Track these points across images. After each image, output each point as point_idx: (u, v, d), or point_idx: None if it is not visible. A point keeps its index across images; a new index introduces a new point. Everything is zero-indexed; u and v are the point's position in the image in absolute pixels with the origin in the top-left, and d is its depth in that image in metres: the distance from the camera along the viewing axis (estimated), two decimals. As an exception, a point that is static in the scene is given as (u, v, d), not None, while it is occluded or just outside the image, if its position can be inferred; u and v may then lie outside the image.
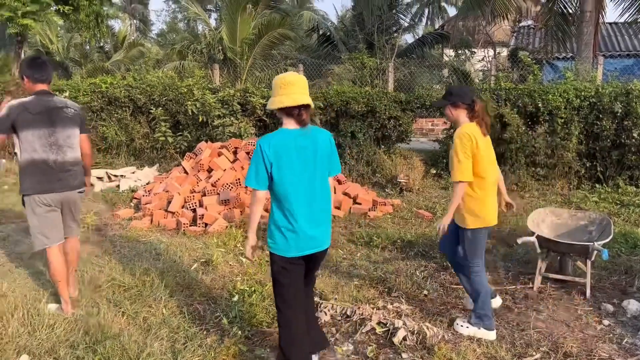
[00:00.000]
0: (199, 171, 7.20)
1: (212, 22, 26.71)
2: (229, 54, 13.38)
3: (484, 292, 3.60)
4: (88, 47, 20.07)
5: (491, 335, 3.58)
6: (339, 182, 7.50)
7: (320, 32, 18.50)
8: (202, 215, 6.16)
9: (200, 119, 8.75)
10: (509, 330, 3.73)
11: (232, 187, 6.63)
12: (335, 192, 7.12)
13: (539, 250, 4.37)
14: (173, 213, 6.42)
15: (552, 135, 8.16)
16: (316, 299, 4.05)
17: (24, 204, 3.71)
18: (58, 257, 3.74)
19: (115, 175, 8.59)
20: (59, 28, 22.08)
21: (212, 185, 6.75)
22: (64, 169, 3.69)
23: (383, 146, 9.08)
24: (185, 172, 7.46)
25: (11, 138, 3.64)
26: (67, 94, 9.66)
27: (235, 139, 7.65)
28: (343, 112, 9.02)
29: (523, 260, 5.16)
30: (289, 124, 2.83)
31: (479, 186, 3.50)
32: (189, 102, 8.76)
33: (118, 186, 8.29)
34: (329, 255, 5.05)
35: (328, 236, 2.96)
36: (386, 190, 8.17)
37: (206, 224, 6.08)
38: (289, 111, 2.79)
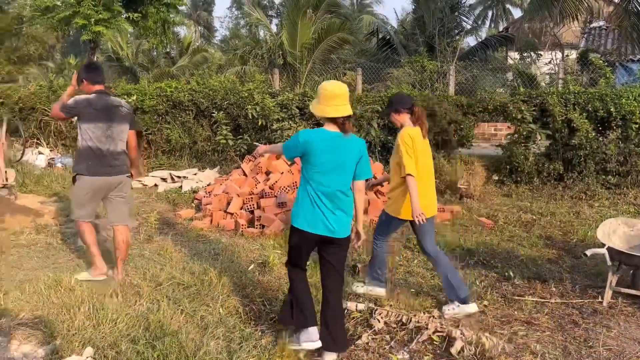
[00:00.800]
0: (257, 174, 7.30)
1: (274, 28, 27.20)
2: (288, 58, 13.56)
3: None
4: (155, 53, 20.93)
5: (472, 307, 3.93)
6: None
7: (380, 36, 18.41)
8: (260, 217, 6.24)
9: (260, 123, 8.89)
10: (576, 346, 3.53)
11: (288, 190, 6.68)
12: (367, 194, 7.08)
13: (609, 263, 4.12)
14: (232, 214, 6.55)
15: (625, 142, 7.71)
16: (371, 304, 4.00)
17: (74, 182, 4.34)
18: (90, 228, 4.49)
19: (178, 177, 8.87)
20: (128, 35, 23.13)
21: (270, 187, 6.83)
22: (114, 157, 4.30)
23: (442, 151, 8.88)
24: (245, 174, 7.59)
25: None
26: (134, 97, 10.09)
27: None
28: (402, 116, 8.90)
29: (592, 273, 4.89)
30: (329, 127, 3.20)
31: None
32: (249, 106, 8.92)
33: (180, 187, 8.55)
34: (353, 252, 4.97)
35: (344, 228, 3.25)
36: (445, 196, 7.98)
37: (263, 226, 6.15)
38: (333, 120, 3.17)
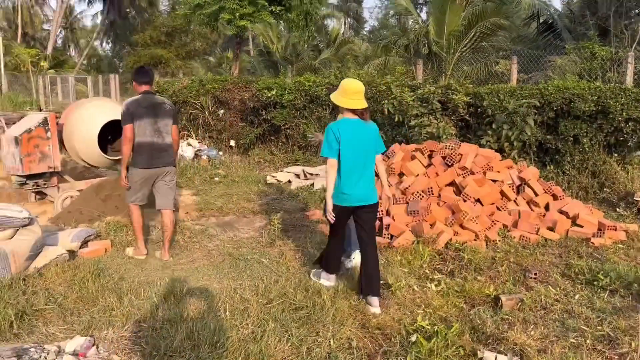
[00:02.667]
0: (389, 175, 6.67)
1: (424, 17, 26.09)
2: (434, 47, 12.61)
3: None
4: (300, 46, 21.24)
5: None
6: (555, 196, 6.25)
7: (541, 20, 16.45)
8: (388, 225, 5.63)
9: (397, 119, 8.22)
10: None
11: (423, 196, 5.95)
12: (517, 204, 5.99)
13: None
14: (359, 220, 6.02)
15: None
16: (515, 358, 3.19)
17: (127, 171, 4.88)
18: (138, 211, 5.02)
19: (311, 174, 8.60)
20: (281, 29, 23.76)
21: (402, 192, 6.17)
22: (162, 150, 4.89)
23: (616, 154, 7.41)
24: (376, 175, 7.00)
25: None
26: (274, 92, 10.04)
27: (431, 141, 6.93)
28: (564, 111, 7.59)
29: None
30: (349, 116, 3.95)
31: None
32: (386, 101, 8.29)
33: (312, 185, 8.26)
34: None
35: (371, 195, 4.06)
36: (617, 210, 6.60)
37: (392, 236, 5.53)
38: (354, 111, 3.94)
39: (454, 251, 5.11)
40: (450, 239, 5.37)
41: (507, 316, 3.78)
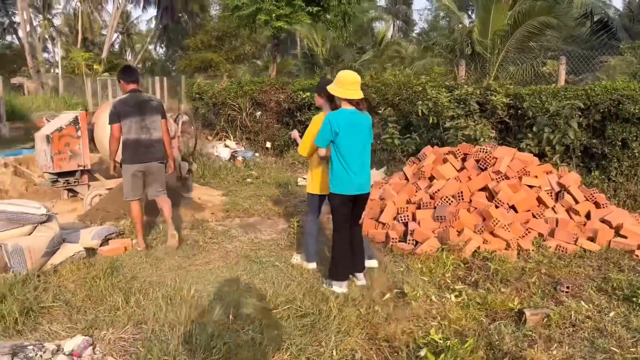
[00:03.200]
0: (419, 179, 6.41)
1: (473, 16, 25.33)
2: (477, 47, 12.16)
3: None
4: (339, 47, 21.04)
5: (311, 265, 4.63)
6: (597, 204, 5.81)
7: (595, 19, 15.63)
8: (413, 230, 5.38)
9: (431, 120, 7.92)
10: None
11: (452, 201, 5.66)
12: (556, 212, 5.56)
13: None
14: (384, 224, 5.80)
15: None
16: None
17: (115, 168, 5.25)
18: (137, 207, 5.18)
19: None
20: (328, 30, 23.66)
21: (430, 196, 5.89)
22: (150, 145, 5.12)
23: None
24: (406, 178, 6.76)
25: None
26: (308, 93, 9.92)
27: (465, 145, 6.60)
28: (612, 114, 7.08)
29: None
30: (346, 106, 4.04)
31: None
32: (419, 102, 8.00)
33: (342, 187, 8.07)
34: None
35: (369, 184, 4.23)
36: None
37: (416, 242, 5.28)
38: (351, 101, 4.03)
39: (481, 260, 4.81)
40: (479, 247, 5.06)
41: (529, 332, 3.48)
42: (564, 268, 4.71)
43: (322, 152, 4.12)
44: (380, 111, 8.68)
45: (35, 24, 40.33)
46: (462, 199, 5.74)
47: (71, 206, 6.76)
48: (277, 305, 3.74)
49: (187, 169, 8.51)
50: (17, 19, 39.88)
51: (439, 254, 4.87)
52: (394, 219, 5.82)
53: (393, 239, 5.41)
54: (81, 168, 6.51)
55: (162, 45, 51.04)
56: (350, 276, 4.27)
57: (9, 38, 45.42)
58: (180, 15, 45.48)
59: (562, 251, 5.12)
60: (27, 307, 3.61)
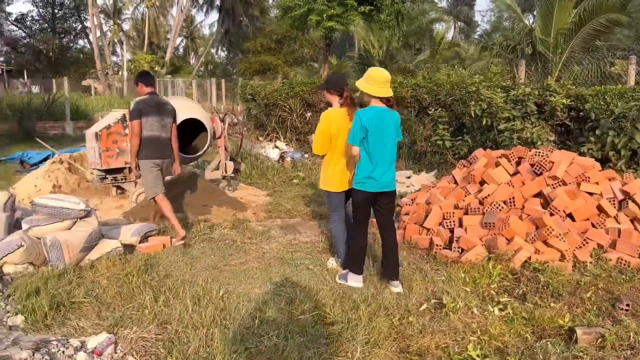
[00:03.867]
0: (469, 183, 6.07)
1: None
2: (539, 47, 11.57)
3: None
4: (393, 48, 20.66)
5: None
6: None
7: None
8: (459, 237, 5.07)
9: (484, 122, 7.53)
10: None
11: (502, 207, 5.30)
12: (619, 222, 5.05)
13: None
14: (428, 230, 5.52)
15: None
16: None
17: (138, 168, 5.34)
18: (165, 200, 5.39)
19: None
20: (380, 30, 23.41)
21: (480, 201, 5.56)
22: (167, 143, 5.45)
23: None
24: (455, 182, 6.44)
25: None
26: (357, 94, 9.72)
27: (519, 147, 6.20)
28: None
29: None
30: (376, 104, 4.04)
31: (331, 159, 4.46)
32: (472, 103, 7.62)
33: (389, 190, 7.82)
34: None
35: (394, 182, 4.16)
36: None
37: (462, 250, 4.97)
38: (382, 99, 4.02)
39: (531, 272, 4.45)
40: (529, 258, 4.70)
41: (580, 354, 3.14)
42: (625, 283, 4.28)
43: (355, 150, 4.07)
44: (430, 112, 8.36)
45: (105, 29, 42.34)
46: (514, 205, 5.36)
47: (118, 203, 6.89)
48: (305, 311, 3.57)
49: (234, 169, 8.52)
50: (88, 24, 42.04)
51: (485, 263, 4.55)
52: (440, 224, 5.53)
53: (437, 245, 5.13)
54: (128, 165, 6.61)
55: (224, 48, 52.30)
56: (386, 282, 4.20)
57: (81, 42, 47.97)
58: (241, 19, 46.40)
59: (624, 265, 4.67)
60: (58, 302, 3.62)
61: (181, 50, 55.71)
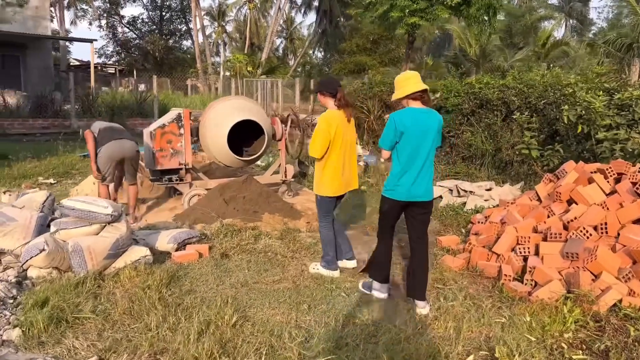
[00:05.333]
0: (554, 201, 5.14)
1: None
2: (659, 44, 10.00)
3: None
4: (485, 45, 19.14)
5: (335, 274, 4.38)
6: None
7: None
8: (533, 268, 4.22)
9: (579, 130, 6.44)
10: None
11: (590, 235, 4.36)
12: None
13: None
14: (498, 255, 4.71)
15: None
16: None
17: None
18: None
19: (465, 191, 7.30)
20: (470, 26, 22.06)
21: (564, 225, 4.64)
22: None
23: None
24: (539, 199, 5.52)
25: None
26: (438, 94, 8.94)
27: (620, 161, 5.14)
28: None
29: None
30: (414, 105, 3.77)
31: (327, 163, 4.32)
32: (565, 107, 6.55)
33: (464, 204, 6.99)
34: None
35: (429, 192, 3.84)
36: None
37: (535, 284, 4.13)
38: (413, 96, 3.74)
39: (620, 320, 3.54)
40: (620, 301, 3.75)
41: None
42: None
43: (386, 154, 3.85)
44: (515, 116, 7.37)
45: (210, 31, 44.05)
46: (606, 232, 4.39)
47: (172, 204, 6.72)
48: (319, 354, 3.00)
49: (299, 172, 8.10)
50: (193, 25, 44.07)
51: (560, 303, 3.70)
52: (512, 250, 4.69)
53: (506, 275, 4.32)
54: (182, 166, 6.41)
55: (320, 49, 52.57)
56: (410, 300, 3.91)
57: (186, 43, 50.45)
58: (338, 19, 46.34)
59: None
60: (59, 317, 3.36)
61: (280, 51, 56.81)
